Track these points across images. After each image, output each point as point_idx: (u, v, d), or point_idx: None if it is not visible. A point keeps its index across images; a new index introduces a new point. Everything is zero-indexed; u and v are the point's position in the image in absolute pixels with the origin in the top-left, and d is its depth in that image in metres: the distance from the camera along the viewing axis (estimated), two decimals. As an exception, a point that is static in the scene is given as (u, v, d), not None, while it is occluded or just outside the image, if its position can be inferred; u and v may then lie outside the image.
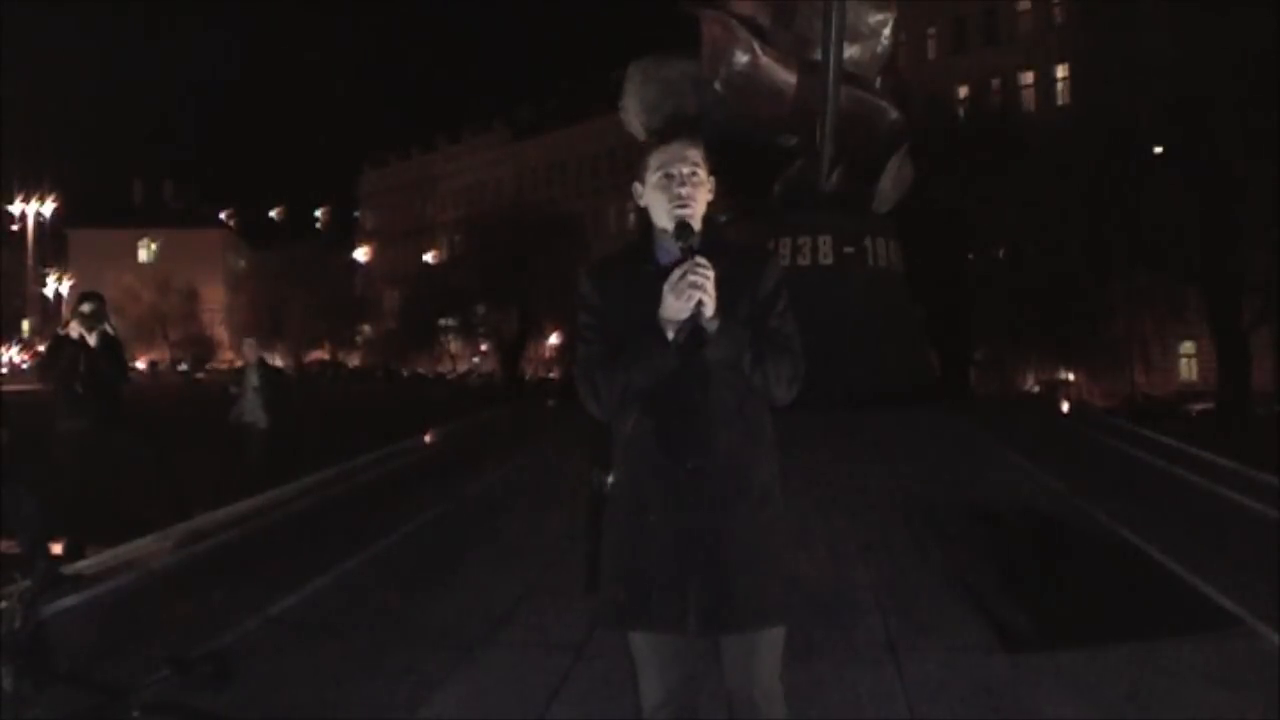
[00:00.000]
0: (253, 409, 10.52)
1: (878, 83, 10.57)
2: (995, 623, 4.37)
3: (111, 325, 7.81)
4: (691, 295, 2.47)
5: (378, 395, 40.79)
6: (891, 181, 9.84)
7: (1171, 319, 31.90)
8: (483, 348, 61.17)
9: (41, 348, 20.34)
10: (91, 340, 7.46)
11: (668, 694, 2.66)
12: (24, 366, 57.61)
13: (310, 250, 69.41)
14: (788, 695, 2.72)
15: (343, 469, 8.77)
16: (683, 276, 2.47)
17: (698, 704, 2.74)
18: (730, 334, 2.53)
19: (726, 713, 2.72)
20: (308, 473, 8.61)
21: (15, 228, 70.26)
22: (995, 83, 46.21)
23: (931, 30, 48.83)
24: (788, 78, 9.77)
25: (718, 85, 9.83)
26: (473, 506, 6.41)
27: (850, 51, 9.58)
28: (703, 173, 2.65)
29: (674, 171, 2.63)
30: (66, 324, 8.03)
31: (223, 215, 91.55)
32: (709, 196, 2.67)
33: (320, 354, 71.28)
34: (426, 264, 70.18)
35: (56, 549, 6.32)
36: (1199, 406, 30.81)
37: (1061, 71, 44.97)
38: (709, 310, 2.49)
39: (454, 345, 60.86)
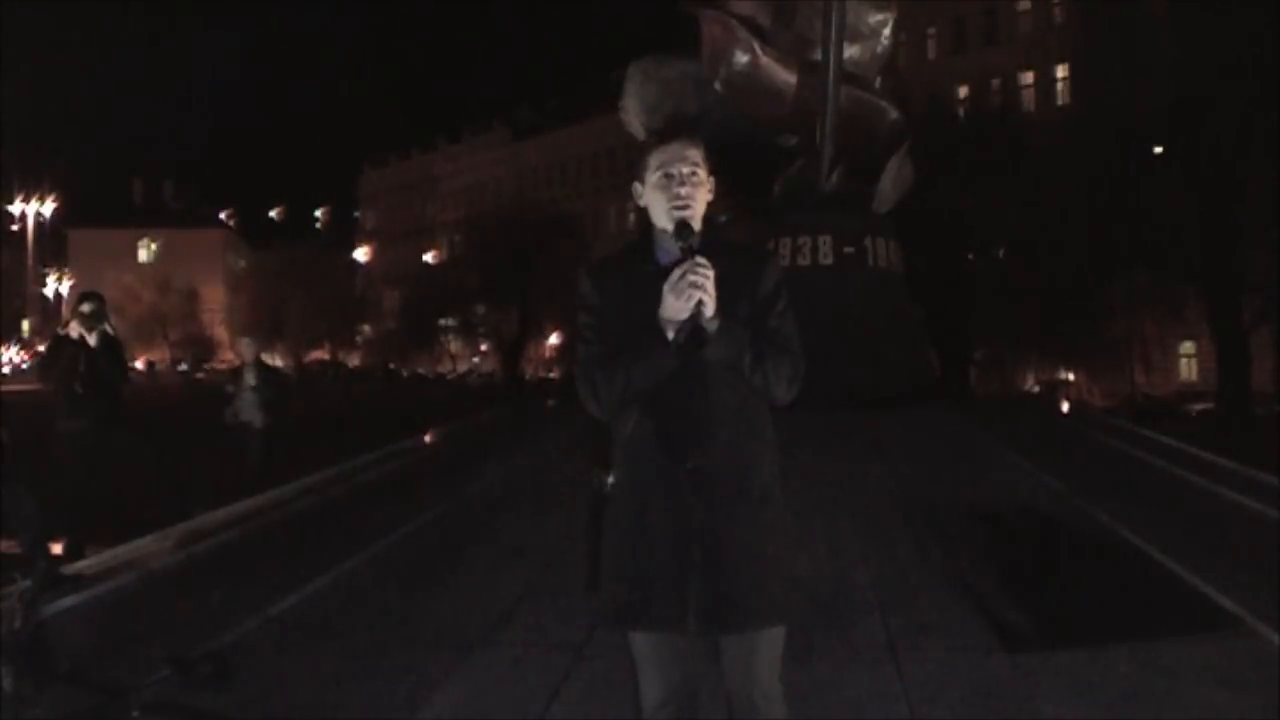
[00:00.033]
0: (249, 409, 10.50)
1: (878, 83, 10.56)
2: (995, 623, 4.37)
3: (111, 325, 7.81)
4: (691, 295, 2.47)
5: (378, 395, 40.78)
6: (891, 181, 9.84)
7: (1171, 319, 31.92)
8: (483, 348, 61.20)
9: (41, 348, 20.35)
10: (91, 340, 7.46)
11: (668, 694, 2.66)
12: (24, 367, 57.62)
13: (310, 250, 69.36)
14: (788, 695, 2.72)
15: (343, 469, 8.77)
16: (683, 276, 2.47)
17: (698, 704, 2.74)
18: (730, 334, 2.53)
19: (726, 713, 2.71)
20: (306, 473, 8.61)
21: (15, 228, 70.32)
22: (995, 83, 46.23)
23: (931, 30, 48.84)
24: (788, 78, 9.77)
25: (718, 85, 9.83)
26: (473, 506, 6.41)
27: (850, 51, 9.57)
28: (702, 173, 2.65)
29: (674, 171, 2.63)
30: (66, 324, 8.03)
31: (223, 215, 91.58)
32: (709, 196, 2.66)
33: (320, 354, 71.26)
34: (426, 264, 70.23)
35: (56, 549, 6.32)
36: (1199, 406, 30.81)
37: (1061, 71, 45.00)
38: (709, 310, 2.49)
39: (454, 345, 60.91)
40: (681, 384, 2.56)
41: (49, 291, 76.77)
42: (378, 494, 7.70)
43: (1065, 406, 19.16)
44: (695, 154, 2.65)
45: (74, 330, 7.52)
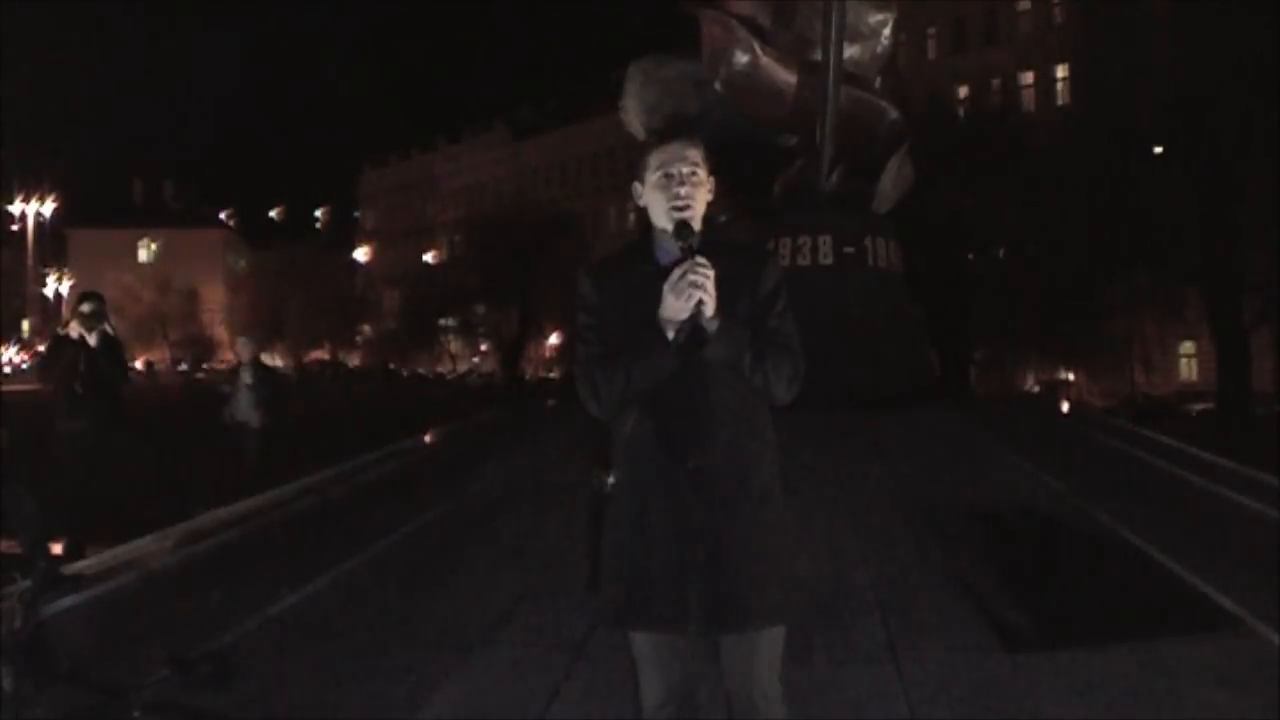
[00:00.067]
0: (246, 408, 10.50)
1: (878, 83, 10.57)
2: (995, 623, 4.37)
3: (111, 325, 7.81)
4: (691, 295, 2.47)
5: (378, 395, 40.78)
6: (891, 181, 9.84)
7: (1171, 319, 31.93)
8: (483, 348, 61.20)
9: (41, 348, 20.35)
10: (91, 340, 7.46)
11: (668, 694, 2.66)
12: (24, 367, 57.61)
13: (310, 250, 69.40)
14: (788, 695, 2.72)
15: (343, 469, 8.77)
16: (683, 276, 2.47)
17: (698, 704, 2.74)
18: (730, 334, 2.53)
19: (726, 713, 2.72)
20: (306, 473, 8.61)
21: (15, 228, 70.30)
22: (995, 83, 46.19)
23: (931, 30, 48.83)
24: (788, 78, 9.77)
25: (718, 85, 9.83)
26: (473, 506, 6.41)
27: (850, 51, 9.57)
28: (702, 173, 2.65)
29: (673, 171, 2.63)
30: (66, 324, 8.03)
31: (223, 215, 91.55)
32: (709, 196, 2.66)
33: (320, 354, 71.27)
34: (426, 264, 70.21)
35: (56, 549, 6.32)
36: (1199, 406, 30.81)
37: (1061, 71, 44.99)
38: (709, 310, 2.49)
39: (454, 345, 60.91)
40: (681, 384, 2.56)
41: (49, 291, 76.74)
42: (378, 494, 7.70)
43: (1065, 406, 19.15)
44: (695, 154, 2.65)
45: (74, 330, 7.52)
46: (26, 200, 69.10)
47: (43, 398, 8.03)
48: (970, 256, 32.90)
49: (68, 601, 5.20)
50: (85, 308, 7.59)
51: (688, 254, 2.50)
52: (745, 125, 9.87)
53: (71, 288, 66.67)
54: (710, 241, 2.58)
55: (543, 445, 8.01)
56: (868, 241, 9.59)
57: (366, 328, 68.45)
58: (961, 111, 42.90)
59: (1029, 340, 33.46)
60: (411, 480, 8.10)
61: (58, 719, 3.73)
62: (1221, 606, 4.53)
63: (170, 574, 5.91)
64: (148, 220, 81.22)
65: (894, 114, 10.25)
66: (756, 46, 9.67)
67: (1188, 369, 40.72)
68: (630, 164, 2.84)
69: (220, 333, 72.20)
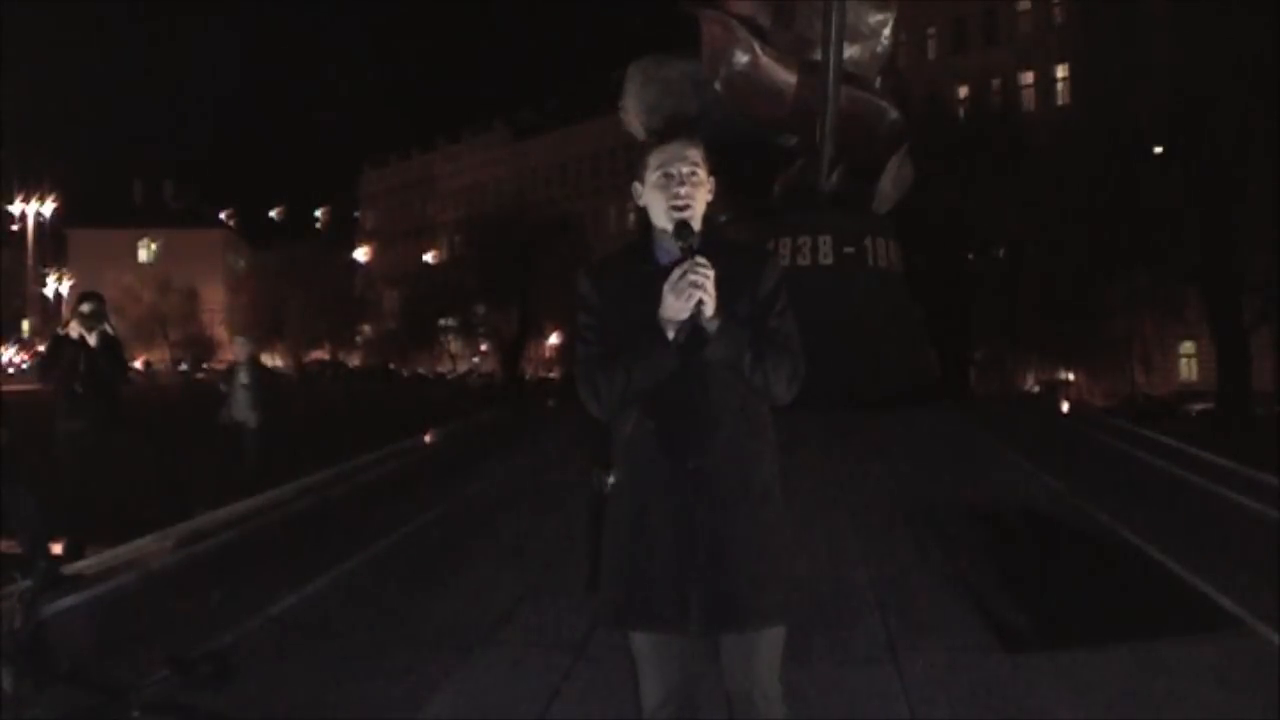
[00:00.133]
0: (242, 408, 10.50)
1: (878, 83, 10.56)
2: (995, 623, 4.37)
3: (111, 325, 7.82)
4: (692, 295, 2.47)
5: (378, 395, 40.78)
6: (891, 181, 9.83)
7: (1171, 319, 31.96)
8: (483, 348, 61.22)
9: (41, 348, 20.34)
10: (91, 340, 7.46)
11: (668, 694, 2.66)
12: (24, 367, 57.59)
13: (310, 250, 69.40)
14: (788, 695, 2.72)
15: (343, 469, 8.77)
16: (683, 276, 2.47)
17: (698, 704, 2.74)
18: (730, 334, 2.53)
19: (726, 713, 2.72)
20: (306, 473, 8.61)
21: (15, 228, 70.30)
22: (995, 83, 46.22)
23: (931, 30, 48.84)
24: (788, 78, 9.77)
25: (718, 85, 9.83)
26: (473, 506, 6.41)
27: (850, 51, 9.57)
28: (702, 172, 2.65)
29: (673, 171, 2.63)
30: (66, 324, 8.03)
31: (223, 215, 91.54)
32: (709, 196, 2.66)
33: (320, 354, 71.27)
34: (426, 264, 70.23)
35: (56, 549, 6.32)
36: (1199, 406, 30.81)
37: (1061, 71, 45.00)
38: (709, 310, 2.49)
39: (454, 345, 60.93)
40: (682, 384, 2.56)
41: (49, 291, 76.70)
42: (378, 494, 7.70)
43: (1065, 406, 19.14)
44: (695, 154, 2.65)
45: (74, 330, 7.53)
46: (26, 200, 69.12)
47: (43, 398, 8.03)
48: (970, 256, 32.93)
49: (68, 601, 5.20)
50: (85, 308, 7.59)
51: (688, 254, 2.50)
52: (745, 125, 9.86)
53: (71, 288, 66.65)
54: (710, 241, 2.58)
55: (543, 445, 8.01)
56: (868, 241, 9.58)
57: (366, 328, 68.47)
58: (961, 111, 42.95)
59: (1029, 340, 33.51)
60: (411, 480, 8.10)
61: (58, 719, 3.73)
62: (1221, 606, 4.53)
63: (170, 574, 5.91)
64: (148, 220, 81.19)
65: (894, 114, 10.24)
66: (756, 46, 9.67)
67: (1188, 369, 40.72)
68: (630, 164, 2.84)
69: (220, 333, 72.13)
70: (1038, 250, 29.34)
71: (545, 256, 46.70)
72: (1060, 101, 44.32)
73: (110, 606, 5.31)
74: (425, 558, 5.54)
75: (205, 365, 65.38)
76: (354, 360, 70.42)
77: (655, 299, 2.51)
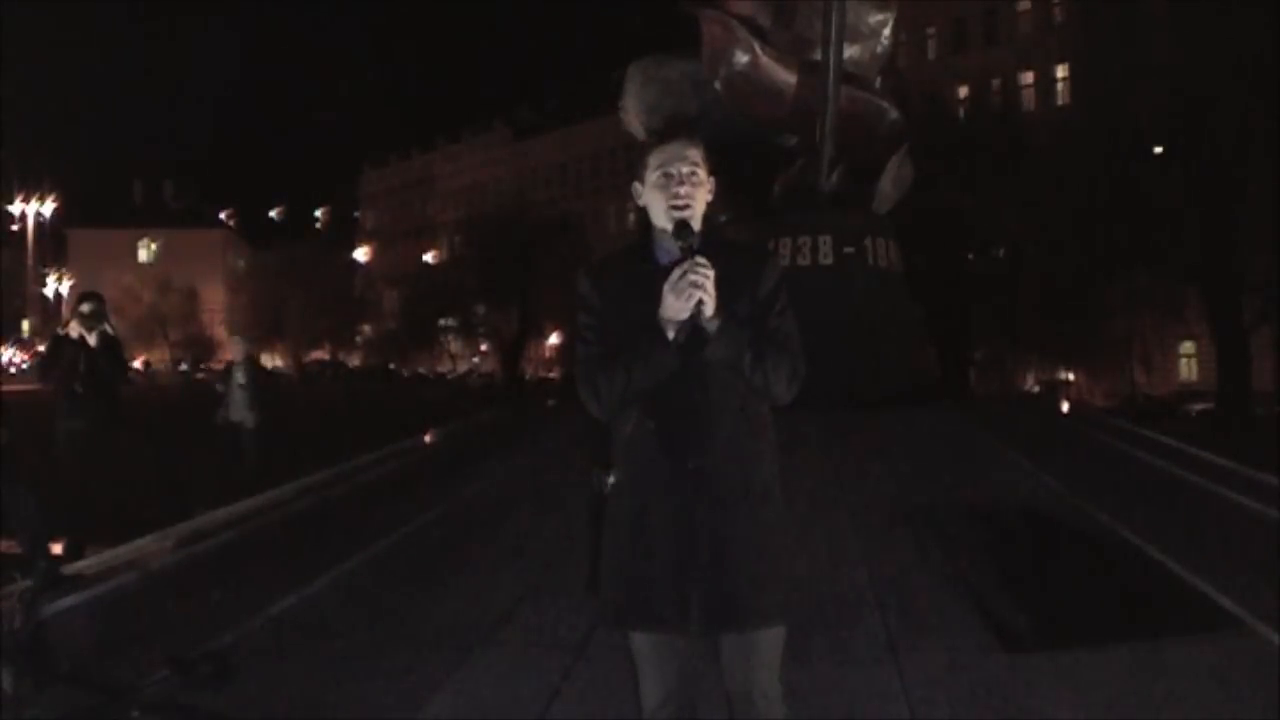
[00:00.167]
0: (239, 408, 10.49)
1: (878, 83, 10.57)
2: (995, 623, 4.37)
3: (111, 325, 7.82)
4: (691, 295, 2.47)
5: (378, 395, 40.79)
6: (891, 181, 9.84)
7: (1171, 319, 31.94)
8: (483, 348, 61.22)
9: (41, 348, 20.35)
10: (91, 340, 7.47)
11: (668, 694, 2.66)
12: (24, 367, 57.59)
13: (310, 250, 69.34)
14: (788, 695, 2.72)
15: (342, 469, 8.77)
16: (683, 276, 2.47)
17: (698, 704, 2.74)
18: (730, 334, 2.53)
19: (726, 713, 2.72)
20: (306, 473, 8.61)
21: (15, 228, 70.27)
22: (995, 83, 46.21)
23: (931, 30, 48.82)
24: (788, 78, 9.77)
25: (718, 85, 9.83)
26: (473, 506, 6.41)
27: (850, 51, 9.57)
28: (702, 172, 2.65)
29: (673, 171, 2.63)
30: (66, 324, 8.03)
31: (223, 215, 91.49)
32: (709, 196, 2.66)
33: (320, 354, 71.27)
34: (426, 264, 70.22)
35: (56, 549, 6.32)
36: (1199, 406, 30.81)
37: (1061, 71, 44.98)
38: (709, 310, 2.49)
39: (454, 345, 60.93)
40: (682, 384, 2.56)
41: (49, 291, 76.69)
42: (378, 494, 7.70)
43: (1065, 406, 19.15)
44: (695, 154, 2.64)
45: (74, 330, 7.53)
46: (26, 200, 69.07)
47: (43, 398, 8.04)
48: (970, 256, 32.94)
49: (68, 601, 5.19)
50: (85, 308, 7.60)
51: (688, 254, 2.50)
52: (745, 125, 9.87)
53: (71, 288, 66.63)
54: (710, 241, 2.58)
55: (543, 445, 8.01)
56: (868, 241, 9.59)
57: (366, 328, 68.45)
58: (961, 111, 42.96)
59: (1029, 340, 33.51)
60: (411, 480, 8.10)
61: (57, 719, 3.73)
62: (1221, 606, 4.53)
63: (170, 574, 5.91)
64: (148, 220, 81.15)
65: (894, 114, 10.25)
66: (756, 46, 9.67)
67: (1188, 369, 40.71)
68: (630, 164, 2.84)
69: (220, 333, 72.12)
70: (1038, 250, 29.33)
71: (545, 256, 46.70)
72: (1060, 101, 44.30)
73: (110, 606, 5.31)
74: (425, 558, 5.55)
75: (205, 366, 65.42)
76: (354, 360, 70.41)
77: (655, 299, 2.51)
